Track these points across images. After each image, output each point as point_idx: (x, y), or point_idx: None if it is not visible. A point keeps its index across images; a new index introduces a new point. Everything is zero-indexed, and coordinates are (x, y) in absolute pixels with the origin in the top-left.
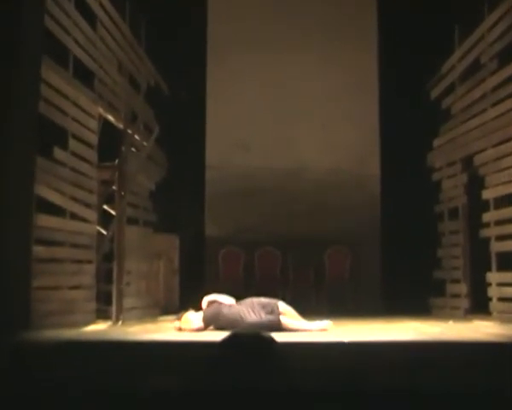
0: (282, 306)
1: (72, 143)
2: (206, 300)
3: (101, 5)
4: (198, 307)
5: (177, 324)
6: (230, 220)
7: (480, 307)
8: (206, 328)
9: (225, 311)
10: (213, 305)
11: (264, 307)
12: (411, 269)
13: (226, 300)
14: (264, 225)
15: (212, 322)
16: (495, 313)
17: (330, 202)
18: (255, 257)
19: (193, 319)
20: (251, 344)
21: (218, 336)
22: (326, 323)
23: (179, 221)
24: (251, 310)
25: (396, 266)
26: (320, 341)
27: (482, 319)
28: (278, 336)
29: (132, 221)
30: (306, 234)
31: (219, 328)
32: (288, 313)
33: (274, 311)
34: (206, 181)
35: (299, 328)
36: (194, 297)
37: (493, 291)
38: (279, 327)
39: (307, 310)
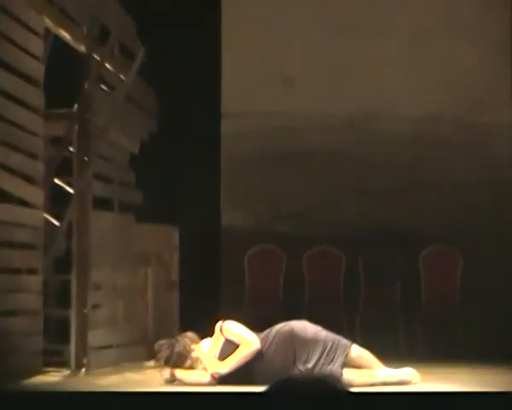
0: (356, 351)
1: (3, 77)
2: (224, 328)
3: None
4: (209, 334)
5: (166, 372)
6: (261, 202)
7: None
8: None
9: (260, 362)
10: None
11: (328, 353)
12: None
13: (252, 339)
14: (317, 210)
15: (236, 377)
16: None
17: (425, 172)
18: (303, 262)
19: (199, 364)
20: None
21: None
22: (410, 371)
23: (179, 205)
24: (304, 357)
25: None
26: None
27: None
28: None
29: (102, 204)
30: (387, 225)
31: (246, 383)
32: (361, 361)
33: (338, 357)
34: (222, 138)
35: (372, 382)
36: (204, 326)
37: None
38: (338, 383)
39: (390, 347)
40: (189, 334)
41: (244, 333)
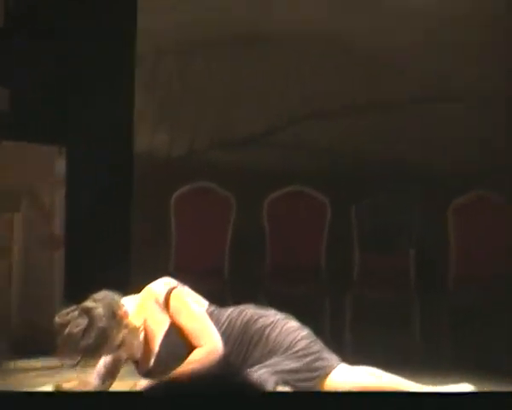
0: (343, 378)
1: None
2: (174, 301)
3: None
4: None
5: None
6: (197, 118)
7: None
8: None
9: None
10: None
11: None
12: None
13: (217, 339)
14: (285, 130)
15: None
16: None
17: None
18: (264, 212)
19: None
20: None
21: None
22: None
23: (70, 115)
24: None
25: None
26: None
27: None
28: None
29: None
30: (398, 157)
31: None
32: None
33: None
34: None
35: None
36: None
37: None
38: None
39: (397, 351)
40: (110, 295)
41: (208, 324)
